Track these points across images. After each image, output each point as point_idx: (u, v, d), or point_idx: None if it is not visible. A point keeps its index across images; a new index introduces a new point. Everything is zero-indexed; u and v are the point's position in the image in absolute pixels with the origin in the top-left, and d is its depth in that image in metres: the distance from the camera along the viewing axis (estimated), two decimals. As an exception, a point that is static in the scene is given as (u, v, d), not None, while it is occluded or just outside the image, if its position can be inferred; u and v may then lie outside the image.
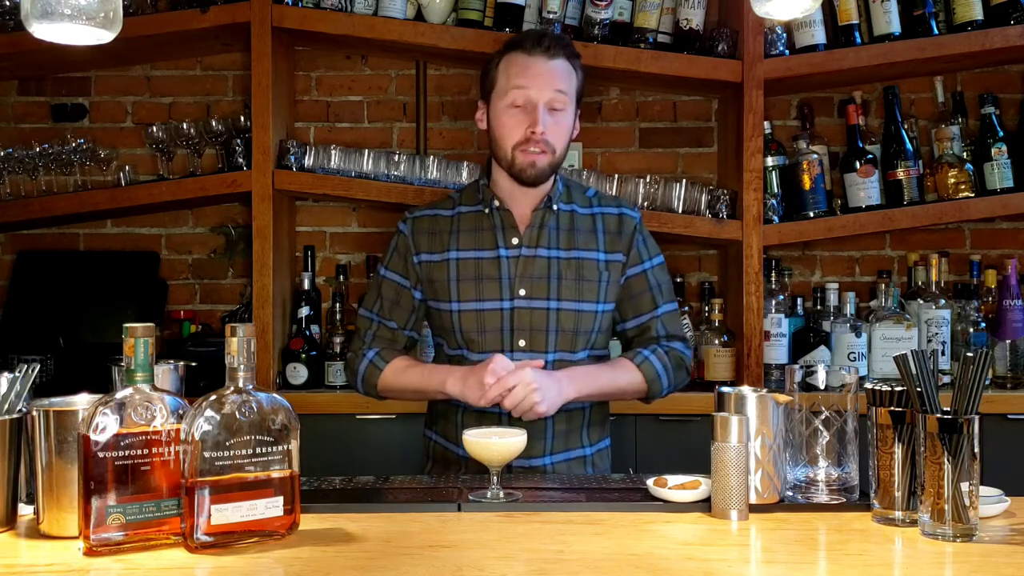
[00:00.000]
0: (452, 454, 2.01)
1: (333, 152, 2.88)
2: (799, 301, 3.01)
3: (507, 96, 1.93)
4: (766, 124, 2.88)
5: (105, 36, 1.47)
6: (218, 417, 1.30)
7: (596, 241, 2.01)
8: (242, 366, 1.33)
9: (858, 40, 2.86)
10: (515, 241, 1.98)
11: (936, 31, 2.86)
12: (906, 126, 3.00)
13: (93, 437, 1.27)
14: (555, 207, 2.00)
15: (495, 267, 1.96)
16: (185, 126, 2.99)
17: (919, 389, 1.37)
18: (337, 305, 2.95)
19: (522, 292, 1.94)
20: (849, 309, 2.90)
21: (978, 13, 2.83)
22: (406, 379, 1.97)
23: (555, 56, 1.94)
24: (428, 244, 2.01)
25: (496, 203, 1.99)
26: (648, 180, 2.89)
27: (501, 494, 1.54)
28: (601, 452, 2.05)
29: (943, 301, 2.89)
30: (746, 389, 1.53)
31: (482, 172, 2.08)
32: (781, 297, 2.93)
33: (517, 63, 1.94)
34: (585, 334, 1.97)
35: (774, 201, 2.88)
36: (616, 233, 2.02)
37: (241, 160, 2.89)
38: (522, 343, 1.94)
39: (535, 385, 1.78)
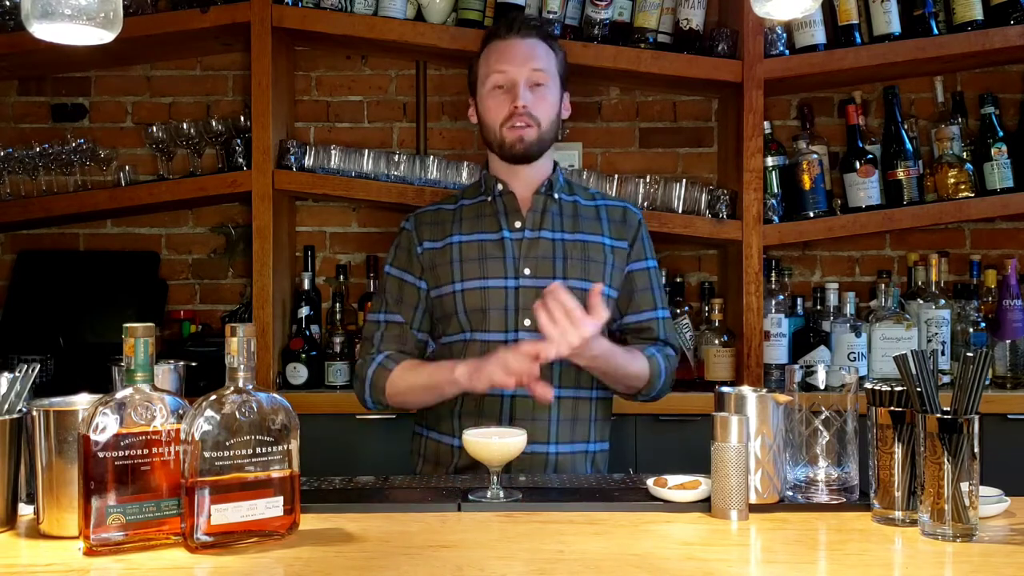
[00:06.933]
0: (445, 447, 1.98)
1: (333, 152, 2.89)
2: (799, 301, 3.01)
3: (488, 80, 1.98)
4: (766, 124, 2.88)
5: (105, 36, 1.47)
6: (218, 417, 1.29)
7: (601, 227, 2.02)
8: (242, 366, 1.33)
9: (858, 40, 2.86)
10: (518, 224, 1.98)
11: (936, 31, 2.86)
12: (906, 126, 3.00)
13: (93, 437, 1.27)
14: (557, 195, 2.01)
15: (499, 248, 1.96)
16: (185, 126, 2.99)
17: (919, 389, 1.37)
18: (337, 305, 2.95)
19: (527, 271, 1.93)
20: (849, 309, 2.90)
21: (978, 13, 2.83)
22: (415, 376, 1.92)
23: (528, 36, 1.99)
24: (431, 233, 2.01)
25: (499, 188, 2.00)
26: (648, 180, 2.89)
27: (501, 494, 1.54)
28: (603, 453, 2.04)
29: (943, 301, 2.89)
30: (746, 389, 1.53)
31: (483, 167, 2.11)
32: (781, 297, 2.92)
33: (495, 50, 2.00)
34: None
35: (774, 201, 2.88)
36: (621, 222, 2.04)
37: (241, 160, 2.89)
38: (527, 322, 1.90)
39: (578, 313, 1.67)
